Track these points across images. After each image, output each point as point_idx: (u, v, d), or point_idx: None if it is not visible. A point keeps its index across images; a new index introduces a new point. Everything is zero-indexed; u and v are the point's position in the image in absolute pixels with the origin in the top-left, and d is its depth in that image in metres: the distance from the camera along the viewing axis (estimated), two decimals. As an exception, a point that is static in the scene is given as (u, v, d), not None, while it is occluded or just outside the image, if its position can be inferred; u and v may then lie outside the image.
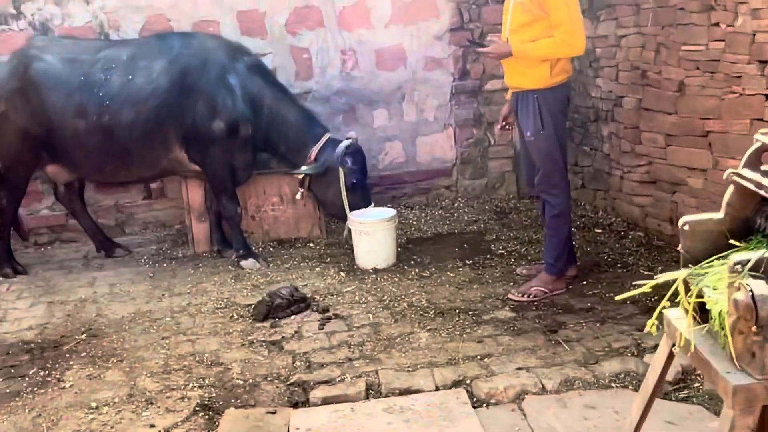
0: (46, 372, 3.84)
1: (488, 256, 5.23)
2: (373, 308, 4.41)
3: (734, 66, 4.36)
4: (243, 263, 5.24)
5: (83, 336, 4.29)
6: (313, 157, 5.17)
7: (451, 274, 4.91)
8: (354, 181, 5.16)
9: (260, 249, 5.64)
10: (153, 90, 5.02)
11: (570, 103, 4.36)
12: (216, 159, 5.14)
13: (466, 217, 6.19)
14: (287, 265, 5.28)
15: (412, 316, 4.26)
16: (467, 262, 5.13)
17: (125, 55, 5.15)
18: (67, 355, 4.05)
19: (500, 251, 5.31)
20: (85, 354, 4.06)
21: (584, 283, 4.61)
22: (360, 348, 3.90)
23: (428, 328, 4.08)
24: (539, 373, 3.52)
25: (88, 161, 5.22)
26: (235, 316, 4.43)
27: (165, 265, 5.45)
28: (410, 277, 4.92)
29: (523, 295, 4.39)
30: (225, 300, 4.70)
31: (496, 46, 4.12)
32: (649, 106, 5.17)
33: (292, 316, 4.34)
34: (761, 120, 4.21)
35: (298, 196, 5.35)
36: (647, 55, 5.21)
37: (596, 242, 5.41)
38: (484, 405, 3.35)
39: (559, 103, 4.20)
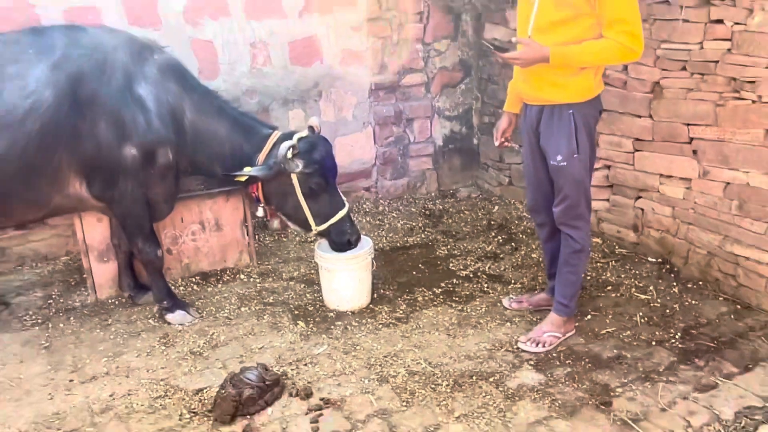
0: None
1: (455, 280, 3.84)
2: (367, 383, 2.87)
3: (746, 69, 3.16)
4: (169, 317, 3.43)
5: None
6: (260, 163, 3.28)
7: (431, 314, 3.45)
8: (312, 186, 3.27)
9: (181, 287, 3.81)
10: (32, 107, 2.95)
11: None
12: (128, 194, 3.20)
13: (398, 224, 4.71)
14: (225, 313, 3.53)
15: (423, 392, 2.78)
16: (437, 291, 3.71)
17: None
18: None
19: (464, 272, 3.94)
20: None
21: (587, 318, 3.33)
22: (385, 464, 2.36)
23: (456, 414, 2.62)
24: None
25: None
26: (186, 414, 2.70)
27: (61, 324, 3.48)
28: (384, 321, 3.41)
29: (536, 345, 3.06)
30: (162, 384, 2.92)
31: (528, 50, 2.57)
32: (610, 107, 3.88)
33: (268, 409, 2.67)
34: (784, 130, 3.07)
35: (259, 213, 3.44)
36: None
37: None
38: None
39: (595, 119, 2.84)
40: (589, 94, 2.70)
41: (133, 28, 4.06)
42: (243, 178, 3.22)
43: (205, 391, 2.82)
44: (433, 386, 2.79)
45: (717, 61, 3.29)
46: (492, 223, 4.63)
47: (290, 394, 2.77)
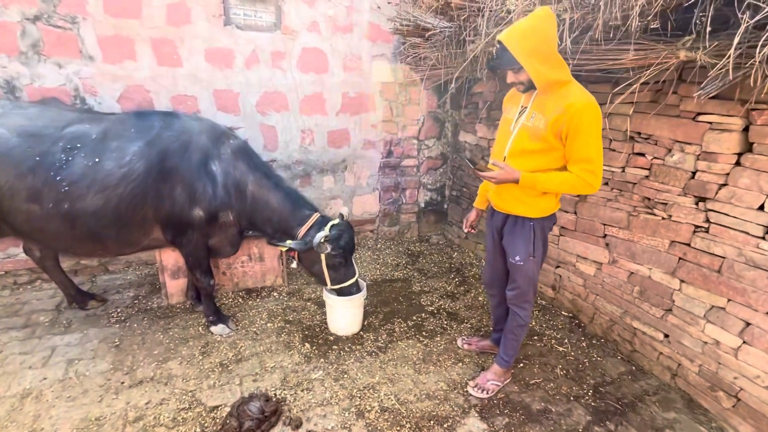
0: None
1: (423, 314, 2.93)
2: (347, 415, 1.98)
3: (659, 194, 2.28)
4: (213, 329, 2.58)
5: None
6: (300, 236, 2.42)
7: (404, 346, 2.55)
8: (334, 262, 2.41)
9: (230, 299, 2.94)
10: (125, 174, 2.14)
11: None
12: (193, 242, 2.37)
13: (389, 260, 3.81)
14: (254, 328, 2.66)
15: (390, 433, 1.86)
16: (410, 324, 2.80)
17: (95, 133, 2.17)
18: None
19: (431, 308, 3.02)
20: None
21: (520, 365, 2.43)
22: None
23: (414, 465, 1.71)
24: None
25: (54, 243, 2.24)
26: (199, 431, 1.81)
27: (135, 324, 2.62)
28: (369, 349, 2.52)
29: (482, 391, 2.18)
30: (189, 397, 2.05)
31: (503, 173, 1.74)
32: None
33: (263, 439, 1.79)
34: (687, 245, 2.17)
35: (293, 265, 2.59)
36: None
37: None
38: None
39: (550, 228, 1.96)
40: (548, 212, 1.85)
41: (219, 113, 3.25)
42: (284, 248, 2.37)
43: (219, 408, 1.97)
44: (398, 427, 1.92)
45: (635, 183, 2.42)
46: (452, 266, 3.75)
47: (284, 423, 1.90)
